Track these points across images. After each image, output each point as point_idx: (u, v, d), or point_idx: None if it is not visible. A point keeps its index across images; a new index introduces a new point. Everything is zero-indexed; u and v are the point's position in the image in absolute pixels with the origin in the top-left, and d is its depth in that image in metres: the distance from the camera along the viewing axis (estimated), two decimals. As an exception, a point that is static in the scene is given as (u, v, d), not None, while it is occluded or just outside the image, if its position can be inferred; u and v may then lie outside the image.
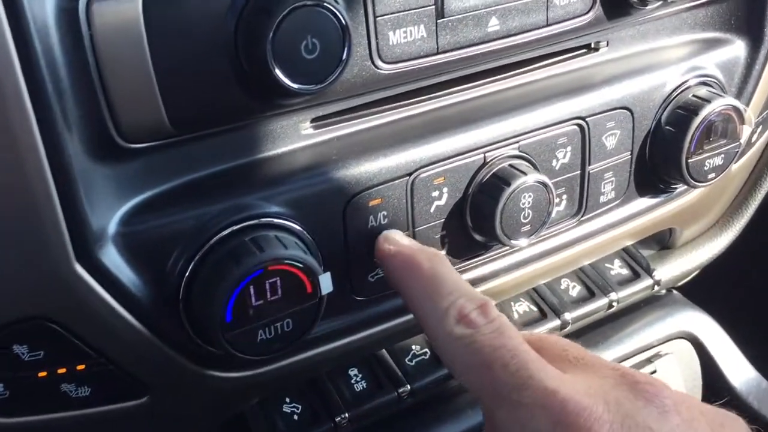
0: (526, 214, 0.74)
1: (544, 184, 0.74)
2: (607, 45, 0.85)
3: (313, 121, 0.70)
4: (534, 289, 0.97)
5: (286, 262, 0.62)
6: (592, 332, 1.07)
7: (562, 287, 0.99)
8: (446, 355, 0.60)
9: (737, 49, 0.90)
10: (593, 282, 0.99)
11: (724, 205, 1.12)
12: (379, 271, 0.72)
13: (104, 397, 0.67)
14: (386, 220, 0.71)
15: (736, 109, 0.85)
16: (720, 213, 1.14)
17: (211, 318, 0.61)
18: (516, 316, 0.95)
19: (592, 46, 0.85)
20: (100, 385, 0.66)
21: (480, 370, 0.55)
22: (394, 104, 0.73)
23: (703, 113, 0.83)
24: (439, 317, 0.59)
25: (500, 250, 0.81)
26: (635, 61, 0.85)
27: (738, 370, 1.11)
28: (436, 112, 0.75)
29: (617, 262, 1.03)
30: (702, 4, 0.88)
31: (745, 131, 0.87)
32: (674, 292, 1.18)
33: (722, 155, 0.87)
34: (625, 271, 1.02)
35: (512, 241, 0.75)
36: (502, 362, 0.54)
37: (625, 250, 1.04)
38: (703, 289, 1.27)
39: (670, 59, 0.86)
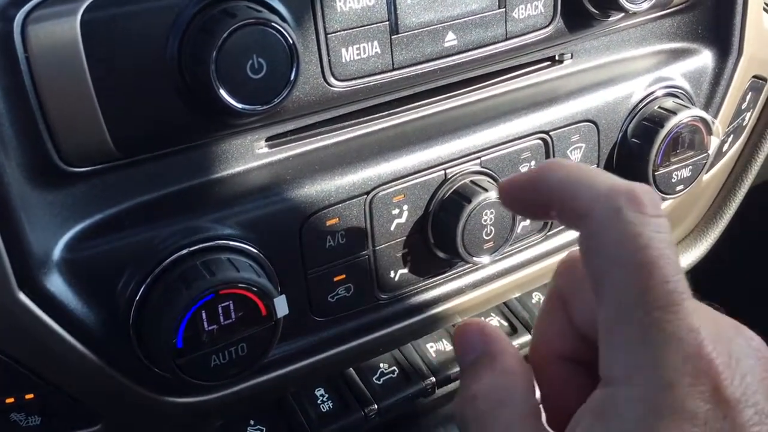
0: (489, 231, 0.73)
1: (507, 200, 0.73)
2: (572, 57, 0.84)
3: (268, 140, 0.68)
4: (505, 303, 0.96)
5: (239, 285, 0.61)
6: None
7: (534, 301, 0.98)
8: (603, 236, 0.45)
9: (704, 58, 0.90)
10: (565, 295, 0.98)
11: (698, 215, 1.12)
12: (339, 290, 0.71)
13: (56, 426, 0.65)
14: (344, 239, 0.69)
15: (703, 120, 0.84)
16: (694, 223, 1.13)
17: (161, 344, 0.60)
18: (486, 331, 0.93)
19: (557, 58, 0.84)
20: (51, 414, 0.64)
21: (637, 270, 0.44)
22: (352, 121, 0.71)
23: (669, 125, 0.82)
24: (605, 191, 0.46)
25: (465, 267, 0.79)
26: (600, 73, 0.85)
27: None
28: (395, 128, 0.74)
29: (589, 275, 1.02)
30: (667, 15, 0.87)
31: (713, 142, 0.87)
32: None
33: (690, 167, 0.86)
34: (597, 284, 1.01)
35: (474, 258, 0.73)
36: (663, 273, 0.44)
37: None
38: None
39: (636, 70, 0.85)
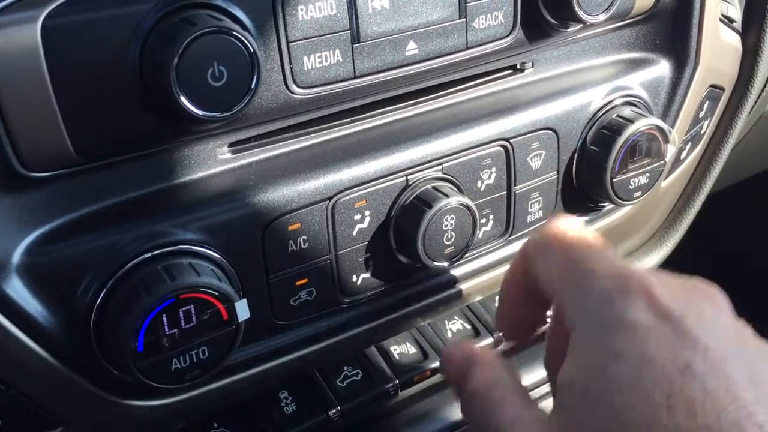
0: (449, 236, 0.75)
1: (467, 207, 0.75)
2: (533, 66, 0.86)
3: (231, 145, 0.69)
4: (468, 306, 0.98)
5: (200, 289, 0.62)
6: (537, 346, 1.07)
7: (497, 304, 0.99)
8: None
9: (662, 68, 0.92)
10: (527, 299, 1.00)
11: (658, 221, 1.14)
12: (301, 294, 0.72)
13: (17, 429, 0.65)
14: (306, 244, 0.70)
15: (660, 129, 0.87)
16: (654, 228, 1.16)
17: (122, 347, 0.60)
18: (449, 334, 0.95)
19: (518, 67, 0.85)
20: (13, 417, 0.64)
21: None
22: (315, 128, 0.72)
23: (626, 133, 0.84)
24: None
25: (427, 271, 0.81)
26: (561, 81, 0.87)
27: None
28: (358, 135, 0.75)
29: (552, 279, 1.04)
30: (626, 26, 0.90)
31: (670, 150, 0.89)
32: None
33: (647, 174, 0.89)
34: (559, 288, 1.03)
35: (435, 263, 0.75)
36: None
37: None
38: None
39: (596, 79, 0.87)
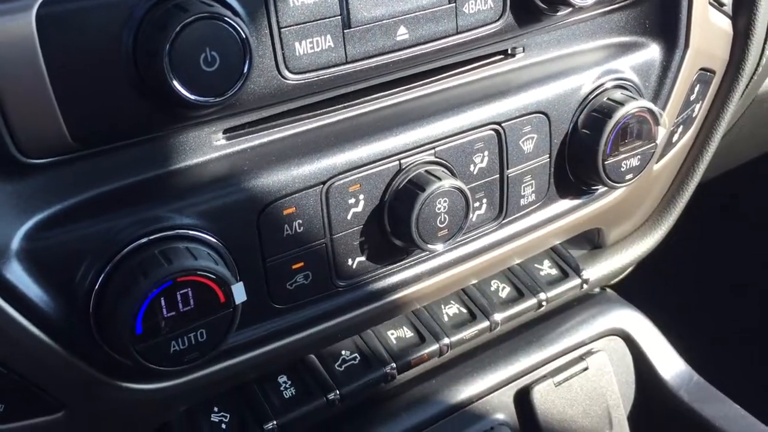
0: (443, 219, 0.76)
1: (460, 189, 0.76)
2: (524, 51, 0.87)
3: (225, 131, 0.70)
4: (464, 290, 0.99)
5: (197, 273, 0.63)
6: (527, 331, 1.09)
7: (492, 288, 1.00)
8: None
9: (652, 52, 0.93)
10: (522, 282, 1.01)
11: (651, 205, 1.15)
12: (298, 278, 0.73)
13: (19, 412, 0.66)
14: (302, 228, 0.71)
15: (650, 111, 0.87)
16: (648, 212, 1.16)
17: (121, 330, 0.61)
18: (446, 318, 0.96)
19: (509, 51, 0.86)
20: (14, 401, 0.66)
21: None
22: (308, 113, 0.73)
23: (617, 116, 0.85)
24: None
25: (422, 255, 0.82)
26: (551, 66, 0.87)
27: (669, 365, 1.14)
28: (350, 120, 0.76)
29: (546, 263, 1.05)
30: (616, 9, 0.90)
31: (661, 132, 0.90)
32: (608, 290, 1.20)
33: (639, 156, 0.90)
34: (554, 271, 1.04)
35: (429, 246, 0.76)
36: None
37: (555, 250, 1.06)
38: (639, 287, 1.30)
39: (586, 63, 0.88)
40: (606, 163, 0.87)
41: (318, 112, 0.74)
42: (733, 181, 1.58)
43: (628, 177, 0.90)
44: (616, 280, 1.23)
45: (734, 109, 1.17)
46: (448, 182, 0.75)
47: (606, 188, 0.94)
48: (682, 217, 1.20)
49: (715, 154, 1.40)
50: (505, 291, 1.00)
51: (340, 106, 0.75)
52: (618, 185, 0.90)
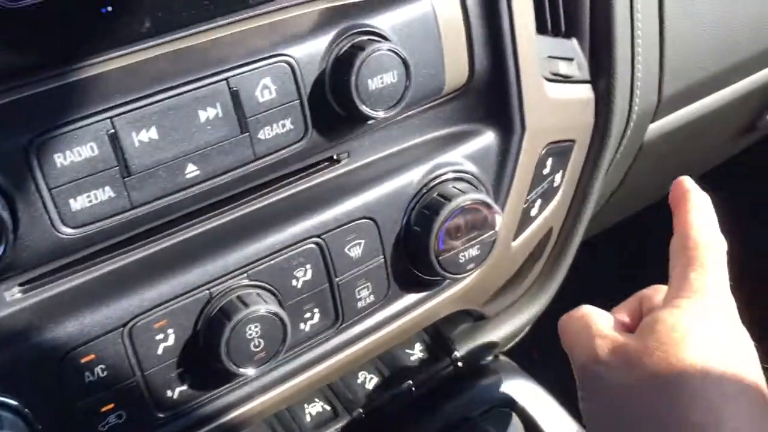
0: (257, 344, 0.76)
1: (273, 313, 0.76)
2: (348, 155, 0.87)
3: (21, 284, 0.71)
4: (329, 385, 0.99)
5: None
6: (410, 411, 1.09)
7: (359, 381, 1.01)
8: None
9: (488, 138, 0.93)
10: (390, 370, 1.01)
11: (532, 274, 1.15)
12: (110, 419, 0.74)
13: None
14: (106, 372, 0.72)
15: (482, 202, 0.87)
16: (530, 281, 1.16)
17: None
18: (308, 418, 0.96)
19: (334, 158, 0.87)
20: None
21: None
22: (109, 254, 0.74)
23: (445, 212, 0.85)
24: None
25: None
26: (379, 167, 0.87)
27: (562, 432, 1.14)
28: (157, 254, 0.76)
29: (418, 346, 1.05)
30: (444, 102, 0.90)
31: (498, 220, 0.90)
32: (501, 358, 1.20)
33: (478, 246, 0.90)
34: (425, 355, 1.04)
35: (241, 371, 0.76)
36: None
37: (427, 331, 1.06)
38: (537, 350, 1.30)
39: (417, 159, 0.88)
40: (440, 258, 0.87)
41: (117, 253, 0.74)
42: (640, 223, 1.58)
43: (470, 267, 0.90)
44: (510, 345, 1.23)
45: (607, 167, 1.17)
46: (257, 308, 0.75)
47: (451, 279, 0.94)
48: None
49: (614, 206, 1.40)
50: (372, 381, 1.01)
51: (140, 243, 0.75)
52: (459, 276, 0.90)
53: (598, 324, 0.82)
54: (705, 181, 0.93)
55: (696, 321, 0.75)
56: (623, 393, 0.75)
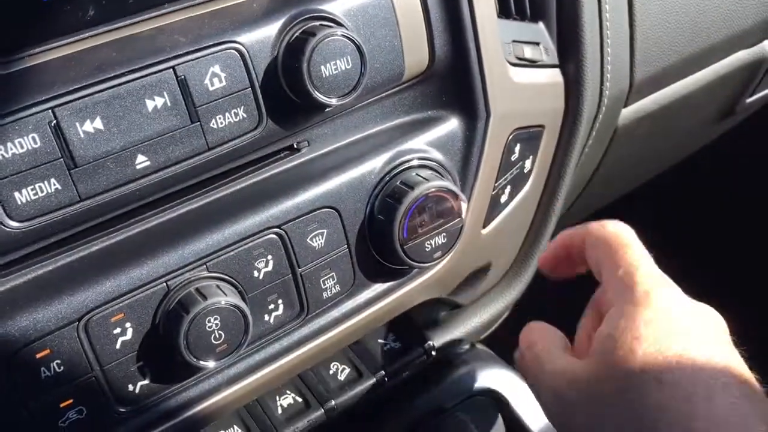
0: (218, 336, 0.75)
1: (233, 305, 0.75)
2: (308, 144, 0.86)
3: (-27, 282, 0.70)
4: (300, 376, 0.98)
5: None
6: (384, 402, 1.08)
7: (331, 372, 1.00)
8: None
9: (452, 125, 0.91)
10: (362, 361, 1.00)
11: (505, 261, 1.14)
12: (70, 415, 0.73)
13: None
14: (62, 367, 0.71)
15: (447, 189, 0.86)
16: (504, 268, 1.16)
17: None
18: (280, 411, 0.95)
19: (295, 146, 0.85)
20: None
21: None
22: (58, 250, 0.73)
23: (408, 200, 0.84)
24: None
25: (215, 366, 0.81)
26: (340, 155, 0.86)
27: (542, 423, 1.13)
28: (112, 247, 0.75)
29: (390, 336, 1.04)
30: (406, 88, 0.89)
31: (464, 206, 0.89)
32: (478, 346, 1.19)
33: (444, 234, 0.89)
34: (398, 345, 1.03)
35: (202, 363, 0.75)
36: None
37: (401, 320, 1.05)
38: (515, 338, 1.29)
39: (379, 146, 0.87)
40: (405, 247, 0.86)
41: (70, 246, 0.73)
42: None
43: (436, 255, 0.89)
44: (487, 333, 1.22)
45: (580, 152, 1.16)
46: (216, 300, 0.74)
47: (420, 266, 0.93)
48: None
49: (592, 192, 1.39)
50: (344, 372, 1.00)
51: (96, 235, 0.74)
52: (425, 265, 0.89)
53: (551, 355, 0.83)
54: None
55: (642, 326, 0.75)
56: (596, 413, 0.75)
